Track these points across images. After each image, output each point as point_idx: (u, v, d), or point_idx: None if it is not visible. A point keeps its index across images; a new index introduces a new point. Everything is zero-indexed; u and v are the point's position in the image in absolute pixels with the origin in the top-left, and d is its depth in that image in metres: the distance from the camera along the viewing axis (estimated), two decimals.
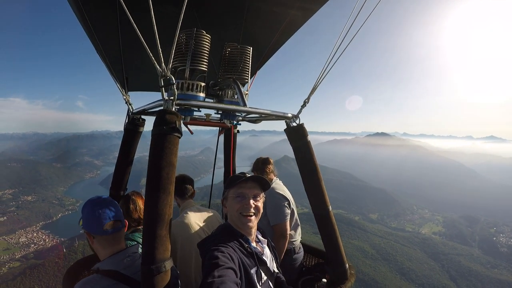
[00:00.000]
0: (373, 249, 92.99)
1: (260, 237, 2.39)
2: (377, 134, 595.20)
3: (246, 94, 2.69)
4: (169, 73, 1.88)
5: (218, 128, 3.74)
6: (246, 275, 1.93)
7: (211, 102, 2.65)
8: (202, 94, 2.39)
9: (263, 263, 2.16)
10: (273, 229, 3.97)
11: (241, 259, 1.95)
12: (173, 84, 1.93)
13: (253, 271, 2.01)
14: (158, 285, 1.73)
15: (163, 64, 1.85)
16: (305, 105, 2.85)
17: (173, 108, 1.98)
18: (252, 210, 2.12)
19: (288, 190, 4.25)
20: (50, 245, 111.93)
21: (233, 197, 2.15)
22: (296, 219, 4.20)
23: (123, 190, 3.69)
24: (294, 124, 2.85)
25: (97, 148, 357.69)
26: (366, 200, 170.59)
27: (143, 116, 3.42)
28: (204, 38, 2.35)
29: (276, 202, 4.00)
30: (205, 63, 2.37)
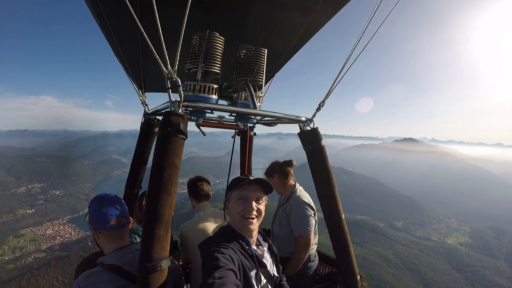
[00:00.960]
0: (397, 258, 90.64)
1: (261, 240, 2.41)
2: (404, 139, 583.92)
3: (261, 96, 2.68)
4: (175, 75, 1.91)
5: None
6: (245, 277, 1.94)
7: (223, 105, 2.54)
8: (214, 96, 2.37)
9: (263, 266, 2.17)
10: (296, 239, 3.89)
11: (241, 261, 1.96)
12: (179, 86, 1.96)
13: (252, 273, 2.01)
14: (153, 283, 1.78)
15: (169, 66, 1.88)
16: (320, 109, 2.73)
17: (180, 110, 2.00)
18: (254, 213, 2.13)
19: (312, 195, 4.07)
20: (75, 238, 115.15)
21: (235, 199, 2.17)
22: (316, 229, 4.12)
23: (138, 189, 3.71)
24: (308, 128, 2.73)
25: (125, 147, 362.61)
26: (391, 207, 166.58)
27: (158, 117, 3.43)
28: (217, 40, 2.32)
29: (303, 212, 3.89)
30: (217, 65, 2.34)
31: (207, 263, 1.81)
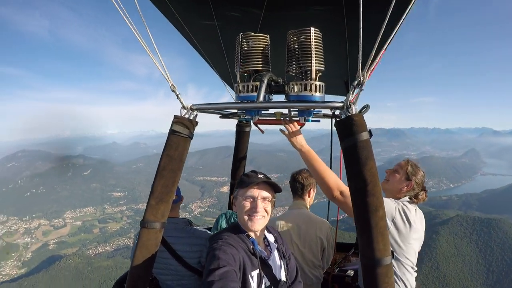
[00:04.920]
0: None
1: (271, 241, 2.39)
2: None
3: (313, 84, 2.08)
4: (175, 87, 2.15)
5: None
6: (243, 276, 1.94)
7: (227, 103, 2.46)
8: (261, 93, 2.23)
9: (268, 267, 2.16)
10: None
11: (243, 260, 1.97)
12: (179, 94, 2.19)
13: (254, 274, 2.01)
14: (142, 235, 2.19)
15: (171, 80, 2.14)
16: (362, 87, 1.84)
17: (187, 115, 2.22)
18: (261, 213, 2.12)
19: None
20: None
21: (242, 198, 2.15)
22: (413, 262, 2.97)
23: None
24: (348, 114, 1.88)
25: (327, 146, 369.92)
26: None
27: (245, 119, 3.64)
28: (255, 38, 2.27)
29: None
30: (258, 63, 2.26)
31: (209, 261, 1.85)
